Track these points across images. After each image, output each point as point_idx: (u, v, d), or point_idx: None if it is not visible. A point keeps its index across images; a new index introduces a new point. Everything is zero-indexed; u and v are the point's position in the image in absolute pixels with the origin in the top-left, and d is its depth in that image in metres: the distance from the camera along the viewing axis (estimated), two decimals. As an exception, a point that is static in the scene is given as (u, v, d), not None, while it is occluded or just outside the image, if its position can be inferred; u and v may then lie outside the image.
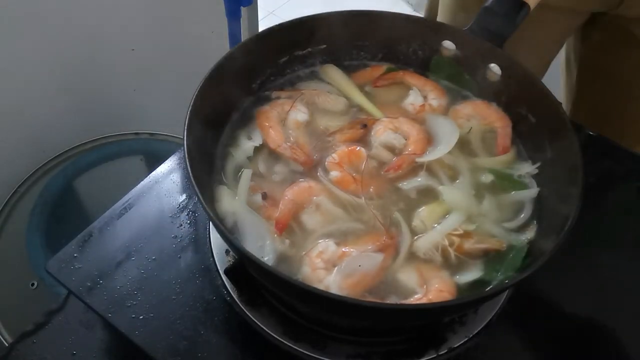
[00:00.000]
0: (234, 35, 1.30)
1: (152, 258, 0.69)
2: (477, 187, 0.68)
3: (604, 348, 0.68)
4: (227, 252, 0.69)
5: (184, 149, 0.58)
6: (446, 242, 0.62)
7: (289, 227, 0.63)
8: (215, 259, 0.69)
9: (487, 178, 0.69)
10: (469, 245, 0.63)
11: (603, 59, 1.01)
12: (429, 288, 0.59)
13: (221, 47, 1.33)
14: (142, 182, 0.76)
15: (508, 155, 0.72)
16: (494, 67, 0.74)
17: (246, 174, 0.66)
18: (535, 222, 0.66)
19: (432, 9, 1.07)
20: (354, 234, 0.63)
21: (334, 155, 0.69)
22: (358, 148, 0.70)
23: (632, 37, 0.93)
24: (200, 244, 0.71)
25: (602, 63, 1.01)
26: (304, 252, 0.61)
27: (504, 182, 0.69)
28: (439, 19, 1.04)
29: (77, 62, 1.35)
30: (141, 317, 0.64)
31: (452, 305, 0.58)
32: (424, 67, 0.80)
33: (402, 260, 0.61)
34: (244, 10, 1.32)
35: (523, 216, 0.66)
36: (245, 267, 0.66)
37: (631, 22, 0.92)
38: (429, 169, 0.69)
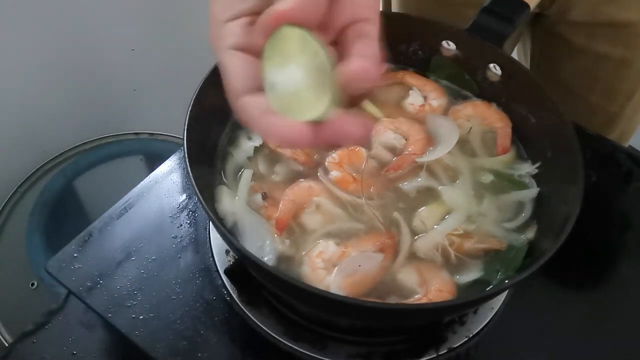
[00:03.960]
0: (234, 35, 1.29)
1: (152, 258, 0.69)
2: (477, 187, 0.68)
3: (604, 348, 0.68)
4: (227, 252, 0.70)
5: (184, 149, 0.58)
6: (446, 242, 0.62)
7: (289, 227, 0.63)
8: (215, 259, 0.69)
9: (487, 178, 0.69)
10: (469, 245, 0.63)
11: (545, 64, 1.03)
12: (429, 288, 0.59)
13: (221, 47, 1.33)
14: (142, 182, 0.76)
15: (508, 156, 0.72)
16: (494, 67, 0.74)
17: (246, 174, 0.66)
18: (535, 222, 0.66)
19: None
20: (354, 234, 0.63)
21: (334, 155, 0.68)
22: (358, 148, 0.70)
23: (570, 44, 0.94)
24: (200, 244, 0.71)
25: (545, 66, 1.03)
26: (304, 252, 0.61)
27: (504, 182, 0.69)
28: (394, 7, 1.04)
29: (78, 62, 1.35)
30: (141, 317, 0.64)
31: (452, 305, 0.58)
32: (424, 67, 0.80)
33: (402, 261, 0.61)
34: (244, 11, 1.32)
35: (523, 216, 0.66)
36: (245, 267, 0.66)
37: (568, 28, 0.94)
38: (429, 169, 0.69)
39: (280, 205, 0.63)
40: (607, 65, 0.93)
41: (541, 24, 0.99)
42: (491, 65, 0.74)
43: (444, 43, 0.76)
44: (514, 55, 1.11)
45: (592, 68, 0.95)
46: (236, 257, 0.68)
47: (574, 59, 0.96)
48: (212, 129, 0.69)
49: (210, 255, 0.70)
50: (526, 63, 1.08)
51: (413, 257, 0.62)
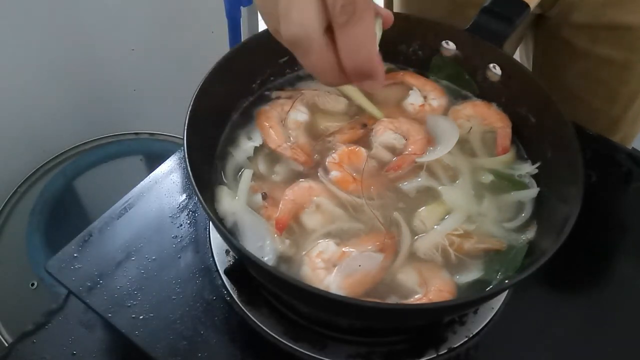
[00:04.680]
0: (234, 35, 1.30)
1: (152, 258, 0.69)
2: (477, 187, 0.68)
3: (604, 348, 0.68)
4: (227, 252, 0.70)
5: (184, 149, 0.58)
6: (446, 242, 0.62)
7: (289, 227, 0.63)
8: (215, 259, 0.69)
9: (487, 178, 0.69)
10: (469, 245, 0.63)
11: (547, 67, 1.03)
12: (429, 288, 0.59)
13: (221, 47, 1.33)
14: (142, 182, 0.76)
15: (508, 156, 0.72)
16: (494, 67, 0.74)
17: (246, 174, 0.66)
18: (535, 222, 0.66)
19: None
20: (354, 234, 0.63)
21: (334, 155, 0.69)
22: (358, 148, 0.70)
23: (572, 47, 0.94)
24: (200, 244, 0.71)
25: (547, 70, 1.03)
26: (304, 252, 0.61)
27: (504, 182, 0.69)
28: (396, 7, 1.04)
29: (77, 62, 1.35)
30: (141, 317, 0.64)
31: (452, 305, 0.58)
32: (424, 67, 0.80)
33: (402, 261, 0.61)
34: (244, 10, 1.32)
35: (523, 216, 0.66)
36: (245, 267, 0.66)
37: (570, 31, 0.94)
38: (429, 169, 0.69)
39: (280, 205, 0.63)
40: (609, 68, 0.93)
41: (544, 27, 0.99)
42: (491, 65, 0.74)
43: (444, 43, 0.77)
44: (516, 57, 1.11)
45: (595, 71, 0.95)
46: (236, 257, 0.68)
47: (577, 62, 0.96)
48: (212, 129, 0.69)
49: (210, 255, 0.70)
50: (528, 65, 1.08)
51: (413, 257, 0.62)
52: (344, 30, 0.40)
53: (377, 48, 0.43)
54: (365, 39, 0.41)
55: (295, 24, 0.40)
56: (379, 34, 0.48)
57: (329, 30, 0.41)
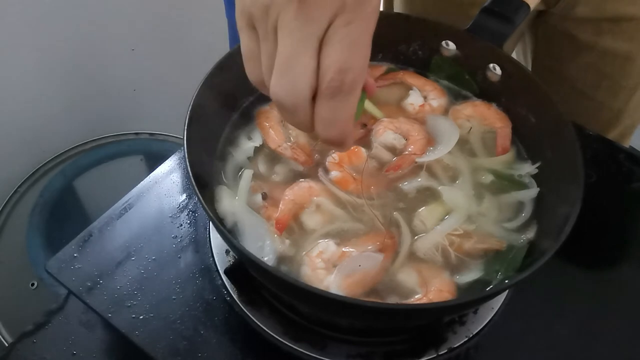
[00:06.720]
0: (234, 35, 1.30)
1: (152, 258, 0.69)
2: (477, 187, 0.68)
3: (604, 349, 0.68)
4: (227, 252, 0.70)
5: (184, 149, 0.58)
6: (446, 242, 0.62)
7: (289, 227, 0.63)
8: (215, 259, 0.69)
9: (487, 178, 0.69)
10: (469, 245, 0.63)
11: (550, 62, 1.03)
12: (429, 288, 0.59)
13: (221, 47, 1.33)
14: (142, 182, 0.76)
15: (508, 156, 0.72)
16: (494, 67, 0.74)
17: (246, 174, 0.66)
18: (535, 222, 0.66)
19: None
20: (354, 234, 0.63)
21: (334, 155, 0.69)
22: (358, 148, 0.70)
23: (576, 40, 0.94)
24: (200, 244, 0.71)
25: (549, 65, 1.03)
26: (304, 252, 0.61)
27: (504, 182, 0.69)
28: (398, 7, 1.04)
29: (77, 62, 1.35)
30: (141, 317, 0.64)
31: (452, 305, 0.58)
32: (424, 67, 0.80)
33: (402, 261, 0.61)
34: (244, 10, 1.32)
35: (523, 216, 0.66)
36: (245, 267, 0.66)
37: (574, 24, 0.93)
38: (429, 169, 0.69)
39: (280, 205, 0.63)
40: (612, 61, 0.93)
41: (544, 22, 0.98)
42: (491, 65, 0.74)
43: (444, 43, 0.76)
44: (514, 55, 1.10)
45: (598, 64, 0.95)
46: (236, 257, 0.68)
47: (580, 56, 0.95)
48: (212, 129, 0.69)
49: (210, 255, 0.70)
50: (526, 63, 1.07)
51: (413, 257, 0.62)
52: (325, 103, 0.40)
53: (353, 122, 0.43)
54: (342, 116, 0.41)
55: (288, 86, 0.40)
56: (360, 106, 0.46)
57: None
